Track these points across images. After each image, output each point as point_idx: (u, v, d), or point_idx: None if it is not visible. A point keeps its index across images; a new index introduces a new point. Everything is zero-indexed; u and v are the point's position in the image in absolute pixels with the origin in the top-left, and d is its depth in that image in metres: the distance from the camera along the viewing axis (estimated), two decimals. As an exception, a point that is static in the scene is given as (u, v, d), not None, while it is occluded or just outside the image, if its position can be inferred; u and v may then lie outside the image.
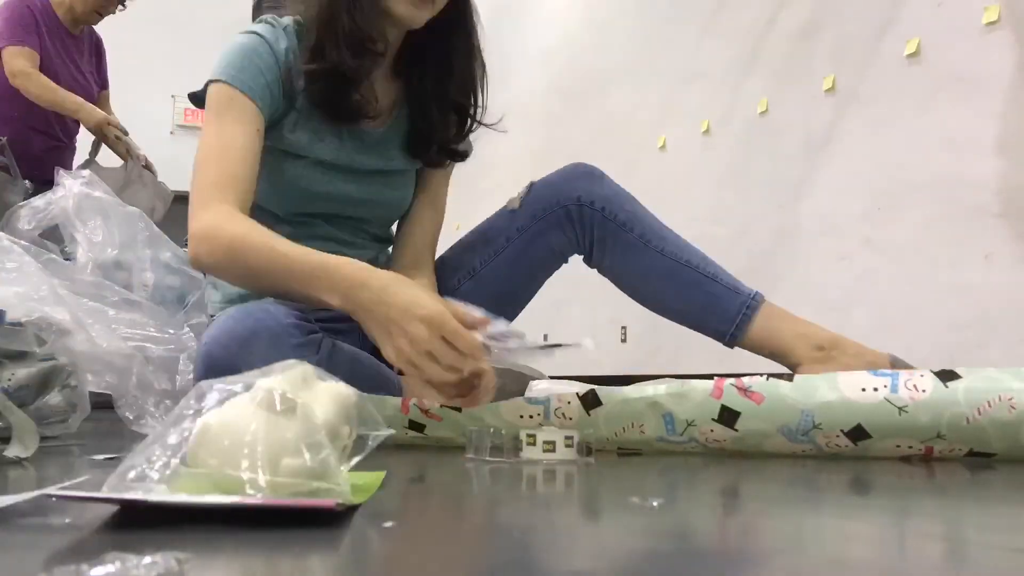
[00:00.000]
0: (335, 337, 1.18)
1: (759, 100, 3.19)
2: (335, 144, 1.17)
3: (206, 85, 1.10)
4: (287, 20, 1.15)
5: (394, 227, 1.31)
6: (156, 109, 5.63)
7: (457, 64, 1.18)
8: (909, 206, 2.55)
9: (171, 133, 5.69)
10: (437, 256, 1.27)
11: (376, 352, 1.15)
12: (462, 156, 1.26)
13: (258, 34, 1.11)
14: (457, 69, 1.18)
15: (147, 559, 0.29)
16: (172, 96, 5.69)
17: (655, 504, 0.51)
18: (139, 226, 1.74)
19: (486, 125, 1.22)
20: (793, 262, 3.05)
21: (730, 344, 1.13)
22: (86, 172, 1.76)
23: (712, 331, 1.15)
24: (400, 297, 0.87)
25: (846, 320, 2.83)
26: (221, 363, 0.88)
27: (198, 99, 1.14)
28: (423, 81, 1.19)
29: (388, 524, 0.44)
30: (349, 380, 0.57)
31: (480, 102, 1.21)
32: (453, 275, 1.22)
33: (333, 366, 0.87)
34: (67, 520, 0.44)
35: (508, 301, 1.18)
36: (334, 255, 0.95)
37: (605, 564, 0.35)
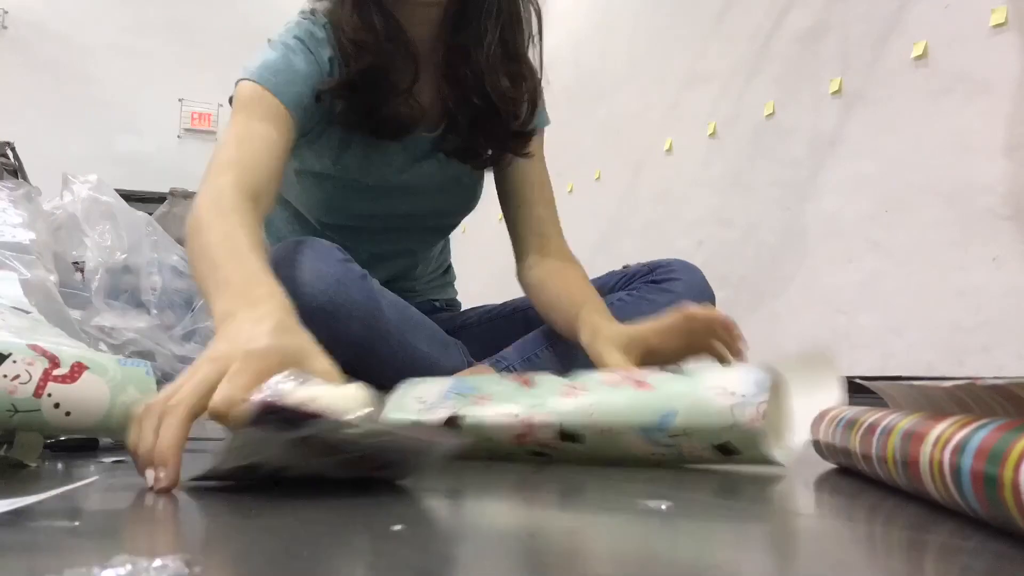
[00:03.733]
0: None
1: (765, 103, 3.18)
2: (383, 160, 1.13)
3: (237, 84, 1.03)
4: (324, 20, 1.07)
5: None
6: (164, 113, 5.66)
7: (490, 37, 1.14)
8: (916, 209, 2.54)
9: (178, 137, 5.72)
10: None
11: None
12: (524, 142, 1.20)
13: (300, 39, 1.05)
14: (490, 43, 1.14)
15: (157, 562, 0.29)
16: (179, 100, 5.72)
17: (663, 507, 0.51)
18: (146, 230, 1.74)
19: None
20: (800, 265, 3.04)
21: None
22: (93, 176, 1.77)
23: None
24: (243, 330, 0.60)
25: (853, 323, 2.82)
26: (280, 268, 0.79)
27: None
28: (465, 68, 1.12)
29: (397, 527, 0.44)
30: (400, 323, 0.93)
31: (527, 70, 1.17)
32: None
33: (379, 295, 1.00)
34: (76, 523, 0.44)
35: None
36: (260, 281, 0.70)
37: (621, 568, 0.35)
